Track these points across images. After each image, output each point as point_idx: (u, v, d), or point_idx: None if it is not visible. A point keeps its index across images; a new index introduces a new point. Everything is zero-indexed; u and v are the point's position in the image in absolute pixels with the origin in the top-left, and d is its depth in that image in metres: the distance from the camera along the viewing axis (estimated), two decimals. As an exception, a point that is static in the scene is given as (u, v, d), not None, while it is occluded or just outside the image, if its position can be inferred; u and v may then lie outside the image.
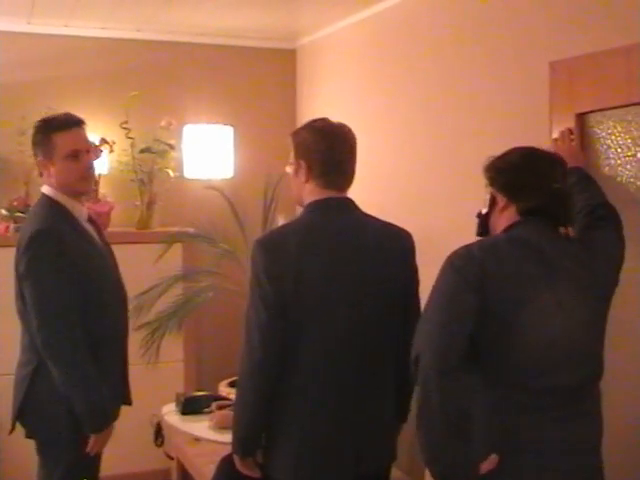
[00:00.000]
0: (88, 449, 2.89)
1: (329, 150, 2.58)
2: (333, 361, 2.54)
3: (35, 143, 3.01)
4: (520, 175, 2.32)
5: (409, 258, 2.70)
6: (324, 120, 2.68)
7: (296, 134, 2.68)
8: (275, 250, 2.51)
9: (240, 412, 2.61)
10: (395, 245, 2.66)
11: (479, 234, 2.46)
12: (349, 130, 2.66)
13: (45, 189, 3.01)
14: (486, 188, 2.42)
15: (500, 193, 2.35)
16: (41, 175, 3.05)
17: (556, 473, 2.20)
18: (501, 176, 2.35)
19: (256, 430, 2.61)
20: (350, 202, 2.65)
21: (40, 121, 3.04)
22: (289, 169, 2.71)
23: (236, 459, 2.67)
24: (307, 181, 2.62)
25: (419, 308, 2.74)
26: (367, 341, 2.59)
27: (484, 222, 2.44)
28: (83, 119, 3.05)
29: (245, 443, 2.64)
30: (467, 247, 2.28)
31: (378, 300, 2.59)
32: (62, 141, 2.94)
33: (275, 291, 2.47)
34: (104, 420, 2.91)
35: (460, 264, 2.24)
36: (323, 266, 2.52)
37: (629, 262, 2.45)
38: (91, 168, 3.05)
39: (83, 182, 3.01)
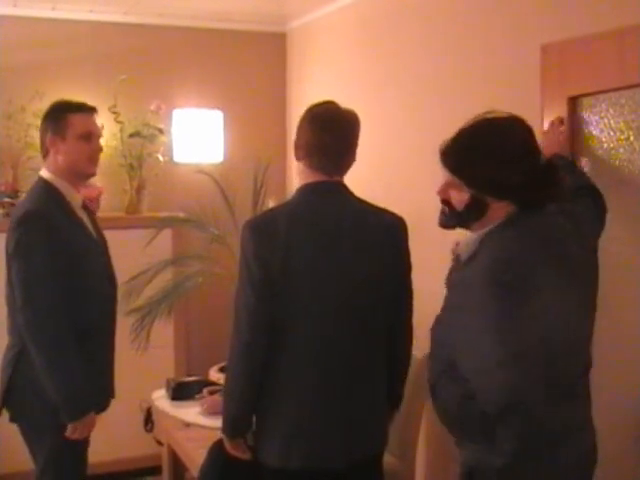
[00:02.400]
0: (67, 435, 2.89)
1: (312, 132, 2.59)
2: (322, 345, 2.53)
3: (48, 120, 3.04)
4: (502, 171, 2.06)
5: (402, 244, 2.69)
6: (326, 103, 2.67)
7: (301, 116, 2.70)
8: (264, 232, 2.51)
9: (229, 393, 2.62)
10: (387, 230, 2.65)
11: (448, 226, 2.22)
12: (348, 117, 2.63)
13: (43, 172, 3.04)
14: (443, 171, 2.15)
15: (487, 195, 2.10)
16: (44, 157, 3.06)
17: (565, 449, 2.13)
18: (479, 178, 2.09)
19: (245, 411, 2.61)
20: (341, 186, 2.64)
21: (57, 101, 3.11)
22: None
23: (225, 440, 2.67)
24: (297, 160, 2.64)
25: (411, 294, 2.75)
26: (357, 325, 2.57)
27: (456, 214, 2.16)
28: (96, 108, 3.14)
29: (234, 424, 2.64)
30: (502, 252, 2.01)
31: (368, 285, 2.58)
32: (77, 121, 3.01)
33: (262, 273, 2.47)
34: (80, 409, 2.90)
35: (508, 278, 1.94)
36: (311, 249, 2.51)
37: (623, 246, 2.45)
38: (99, 152, 3.12)
39: (90, 164, 3.06)
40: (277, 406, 2.55)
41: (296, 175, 2.71)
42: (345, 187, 2.65)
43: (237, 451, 2.66)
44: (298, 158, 2.63)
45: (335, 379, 2.55)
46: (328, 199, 2.60)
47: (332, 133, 2.58)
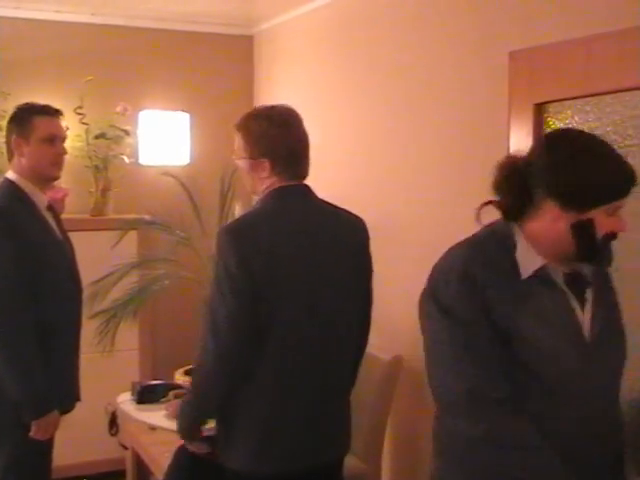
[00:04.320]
0: (31, 434, 2.88)
1: (292, 143, 2.53)
2: (300, 348, 2.49)
3: (13, 122, 3.08)
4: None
5: (365, 245, 2.70)
6: (274, 108, 2.59)
7: (248, 126, 2.57)
8: (245, 237, 2.42)
9: (196, 401, 2.57)
10: (353, 232, 2.67)
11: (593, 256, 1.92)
12: (297, 113, 2.60)
13: (9, 174, 3.07)
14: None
15: None
16: (9, 159, 3.09)
17: None
18: None
19: (205, 418, 2.63)
20: (308, 189, 2.62)
21: (22, 104, 3.13)
22: (241, 163, 2.59)
23: (187, 443, 2.71)
24: (269, 177, 2.53)
25: (371, 295, 2.77)
26: (335, 328, 2.56)
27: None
28: (61, 110, 3.17)
29: (192, 431, 2.65)
30: None
31: (346, 288, 2.59)
32: (42, 124, 3.03)
33: (246, 279, 2.38)
34: (42, 407, 2.89)
35: None
36: (295, 253, 2.47)
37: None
38: (63, 155, 3.13)
39: (54, 167, 3.08)
40: (249, 411, 2.50)
41: (256, 185, 2.59)
42: (310, 189, 2.62)
43: (196, 448, 2.69)
44: (264, 171, 2.52)
45: (310, 382, 2.52)
46: (303, 203, 2.58)
47: (296, 135, 2.55)
